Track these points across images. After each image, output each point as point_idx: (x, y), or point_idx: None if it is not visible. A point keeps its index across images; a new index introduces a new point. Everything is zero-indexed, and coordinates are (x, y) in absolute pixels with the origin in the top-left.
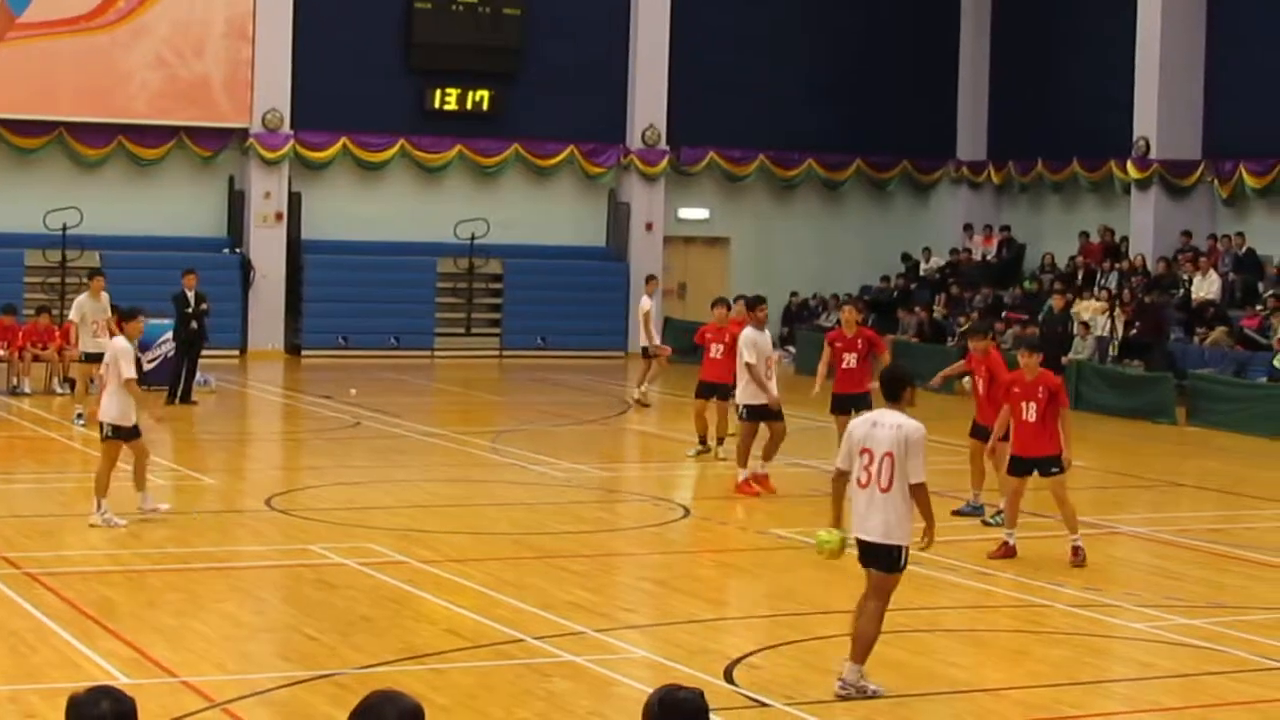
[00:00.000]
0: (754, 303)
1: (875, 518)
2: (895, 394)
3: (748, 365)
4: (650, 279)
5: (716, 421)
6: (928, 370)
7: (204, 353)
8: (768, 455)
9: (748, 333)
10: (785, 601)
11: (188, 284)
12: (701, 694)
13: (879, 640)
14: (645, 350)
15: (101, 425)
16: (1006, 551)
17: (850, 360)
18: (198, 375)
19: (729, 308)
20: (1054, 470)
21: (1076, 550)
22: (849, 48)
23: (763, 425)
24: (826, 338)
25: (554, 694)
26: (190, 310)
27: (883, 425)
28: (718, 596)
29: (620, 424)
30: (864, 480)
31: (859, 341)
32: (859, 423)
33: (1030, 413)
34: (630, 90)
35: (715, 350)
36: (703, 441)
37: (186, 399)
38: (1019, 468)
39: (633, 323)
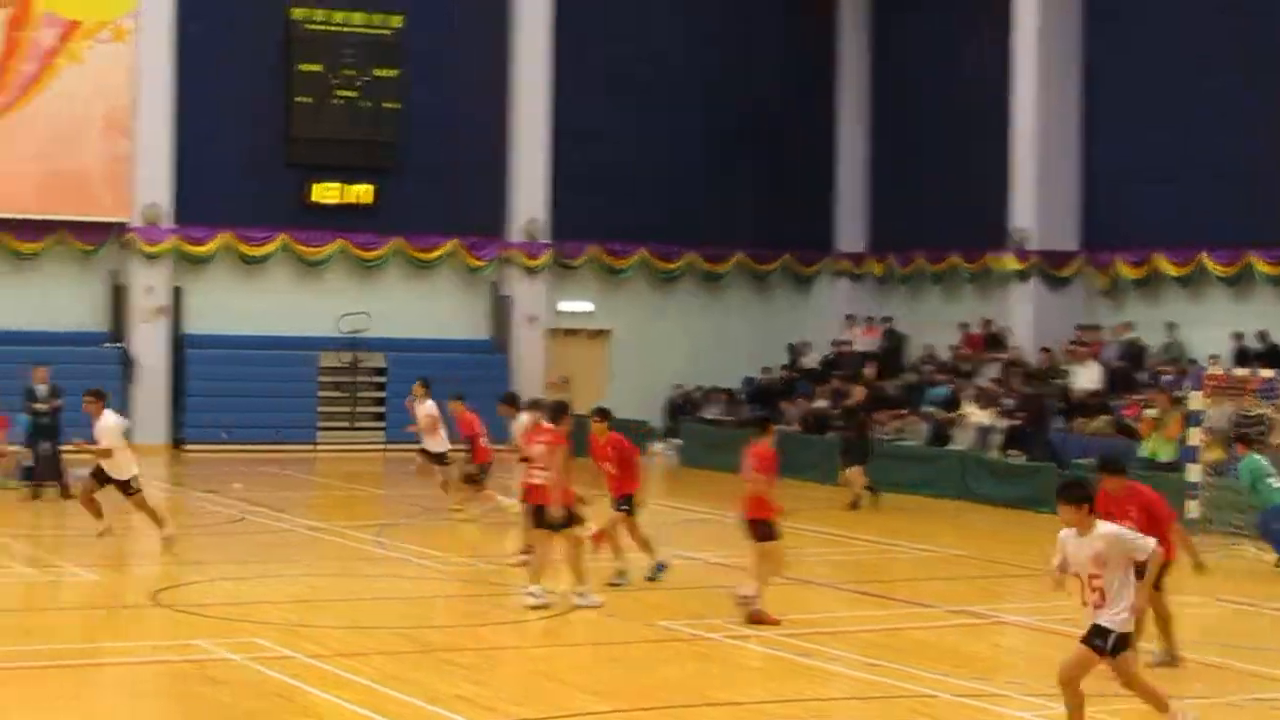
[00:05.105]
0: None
1: None
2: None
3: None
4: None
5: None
6: (807, 461)
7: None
8: None
9: None
10: (673, 693)
11: (37, 378)
12: None
13: None
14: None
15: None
16: None
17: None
18: (84, 471)
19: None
20: None
21: None
22: (729, 140)
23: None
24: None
25: None
26: (40, 404)
27: None
28: (604, 689)
29: (502, 517)
30: None
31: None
32: None
33: None
34: (511, 183)
35: None
36: None
37: (39, 492)
38: None
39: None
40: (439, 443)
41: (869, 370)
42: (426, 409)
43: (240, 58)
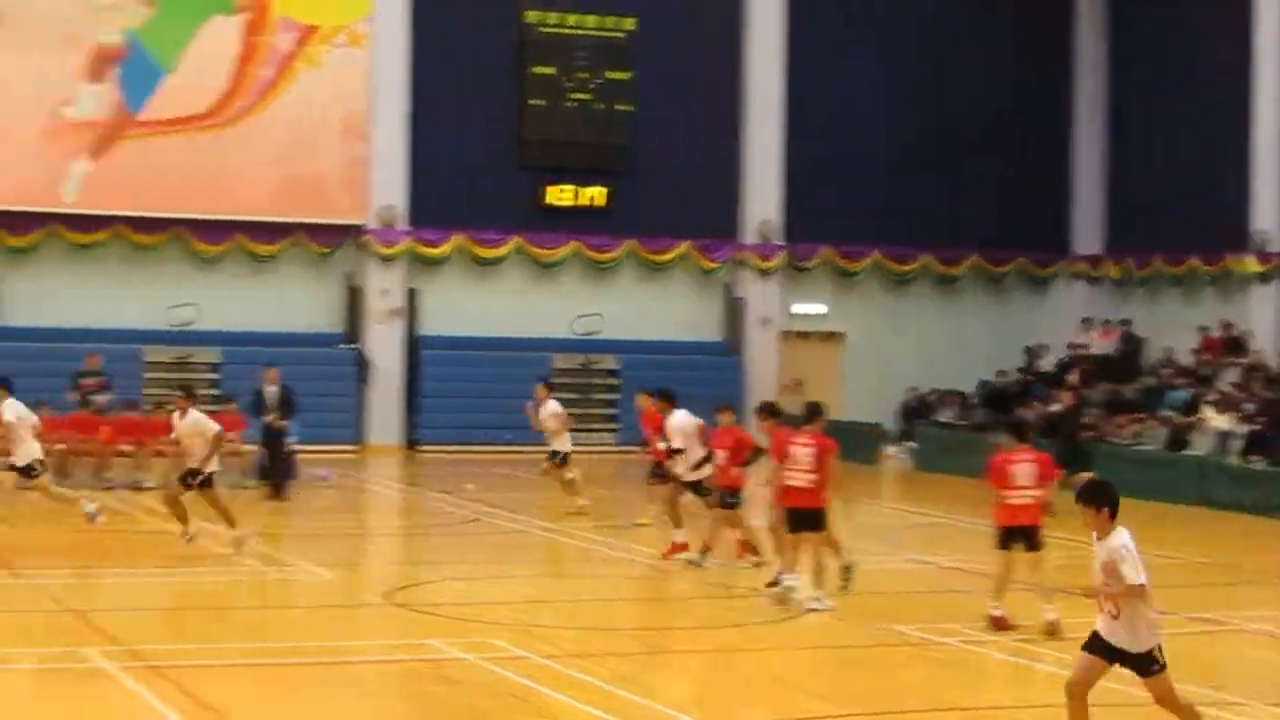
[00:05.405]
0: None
1: None
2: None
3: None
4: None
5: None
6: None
7: (324, 447)
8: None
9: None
10: (905, 698)
11: (268, 380)
12: None
13: None
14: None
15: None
16: None
17: None
18: (317, 470)
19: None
20: None
21: None
22: (963, 142)
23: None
24: None
25: None
26: (269, 405)
27: None
28: (835, 693)
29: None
30: None
31: None
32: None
33: None
34: (743, 185)
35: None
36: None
37: (280, 493)
38: None
39: (752, 417)
40: (564, 443)
41: (1073, 376)
42: (550, 410)
43: (474, 61)
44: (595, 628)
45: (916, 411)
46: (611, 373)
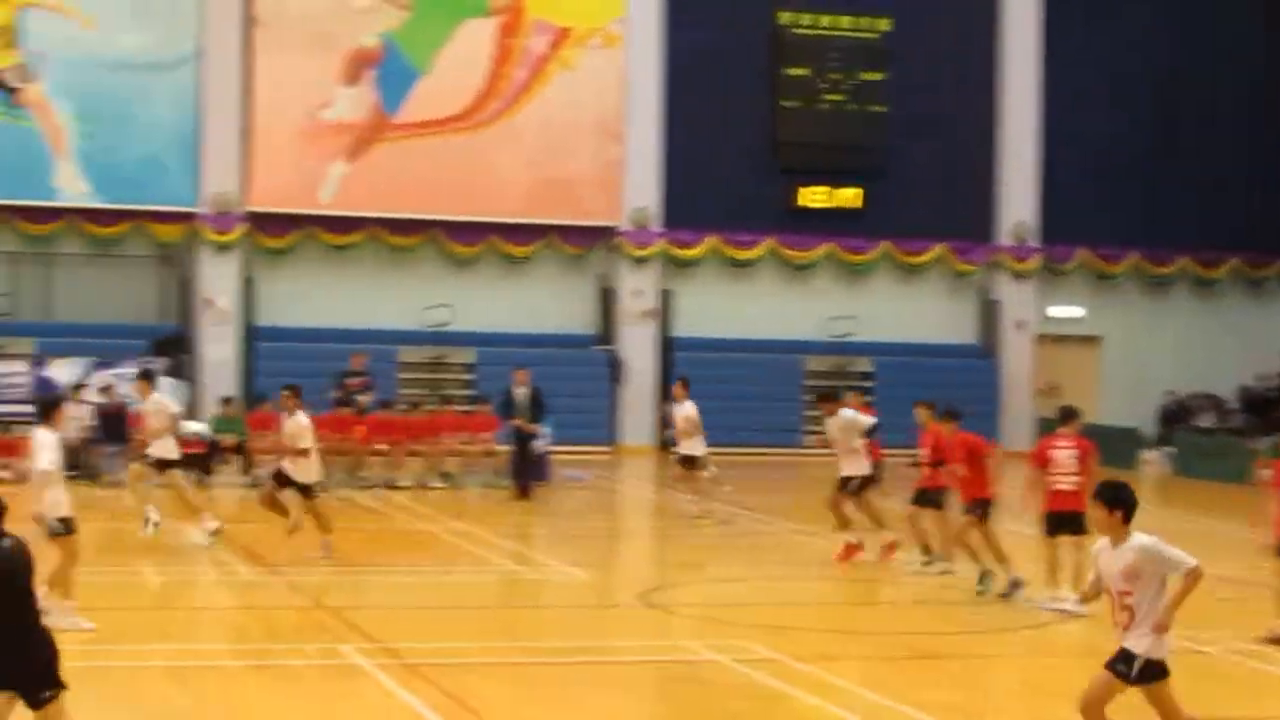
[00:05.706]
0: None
1: None
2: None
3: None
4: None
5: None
6: None
7: (577, 448)
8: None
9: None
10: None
11: (518, 381)
12: None
13: None
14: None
15: None
16: None
17: None
18: (572, 472)
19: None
20: None
21: None
22: (1222, 145)
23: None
24: None
25: None
26: (519, 407)
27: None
28: None
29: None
30: None
31: None
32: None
33: None
34: (998, 187)
35: None
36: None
37: (527, 494)
38: None
39: (1005, 421)
40: (695, 445)
41: None
42: (685, 411)
43: (727, 62)
44: (847, 630)
45: (1175, 416)
46: (864, 375)
